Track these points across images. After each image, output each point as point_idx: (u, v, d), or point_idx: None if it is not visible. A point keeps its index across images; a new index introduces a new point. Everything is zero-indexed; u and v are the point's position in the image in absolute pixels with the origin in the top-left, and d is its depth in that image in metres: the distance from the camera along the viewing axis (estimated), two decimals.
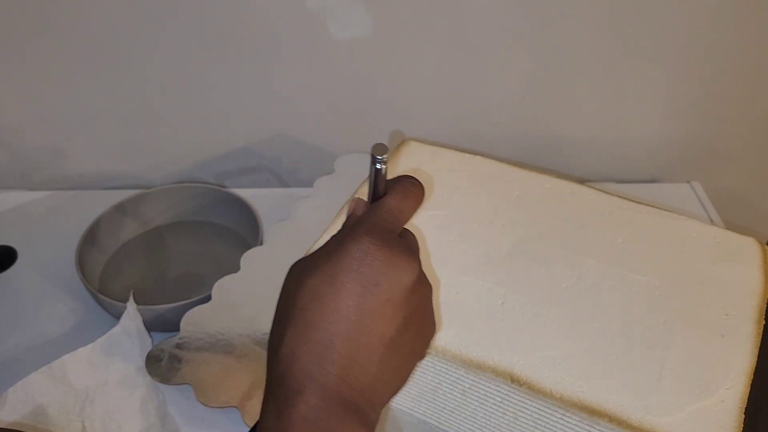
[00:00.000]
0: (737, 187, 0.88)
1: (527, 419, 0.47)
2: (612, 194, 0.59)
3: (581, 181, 0.62)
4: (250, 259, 0.64)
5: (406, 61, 0.75)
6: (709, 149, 0.85)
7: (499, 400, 0.47)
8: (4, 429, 0.51)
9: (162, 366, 0.56)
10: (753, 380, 0.45)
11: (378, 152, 0.36)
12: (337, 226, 0.54)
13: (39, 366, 0.55)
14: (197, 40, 0.71)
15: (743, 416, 0.43)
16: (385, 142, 0.37)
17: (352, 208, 0.38)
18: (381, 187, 0.37)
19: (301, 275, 0.33)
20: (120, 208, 0.71)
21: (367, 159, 0.76)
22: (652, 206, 0.58)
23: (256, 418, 0.51)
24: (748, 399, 0.44)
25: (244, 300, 0.60)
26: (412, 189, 0.37)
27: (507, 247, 0.54)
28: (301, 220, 0.68)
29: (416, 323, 0.34)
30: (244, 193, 0.73)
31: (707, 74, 0.77)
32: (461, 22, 0.71)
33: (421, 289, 0.35)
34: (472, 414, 0.49)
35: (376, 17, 0.71)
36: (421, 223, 0.55)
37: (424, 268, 0.36)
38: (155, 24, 0.69)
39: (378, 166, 0.36)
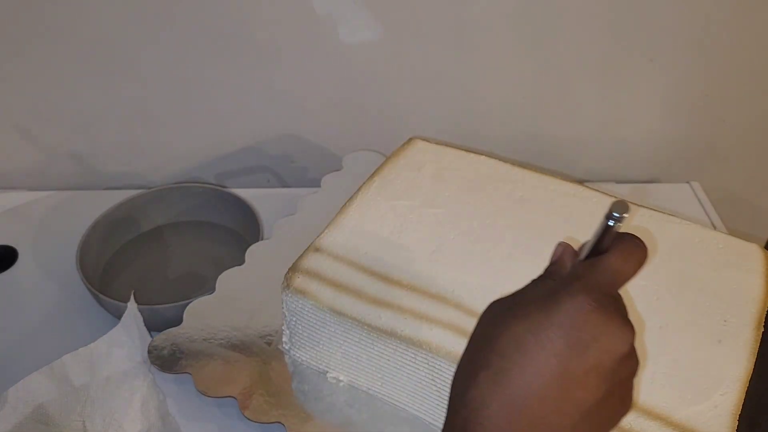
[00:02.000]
0: (736, 187, 0.88)
1: None
2: (616, 197, 0.59)
3: (581, 181, 0.62)
4: (255, 252, 0.64)
5: (410, 61, 0.75)
6: (708, 149, 0.85)
7: None
8: None
9: (164, 355, 0.56)
10: (754, 386, 0.45)
11: (619, 210, 0.33)
12: (341, 219, 0.55)
13: (39, 366, 0.55)
14: (200, 40, 0.71)
15: (737, 423, 0.43)
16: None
17: (559, 254, 0.35)
18: (607, 244, 0.34)
19: (505, 318, 0.31)
20: (120, 208, 0.71)
21: (374, 157, 0.76)
22: (656, 210, 0.58)
23: (256, 413, 0.52)
24: (749, 403, 0.44)
25: (247, 293, 0.61)
26: (636, 251, 0.33)
27: (506, 248, 0.54)
28: (308, 216, 0.68)
29: (616, 398, 0.32)
30: (244, 193, 0.73)
31: (706, 74, 0.78)
32: (463, 24, 0.72)
33: (631, 362, 0.32)
34: None
35: (383, 21, 0.71)
36: (423, 221, 0.56)
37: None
38: (157, 23, 0.70)
39: (611, 222, 0.33)
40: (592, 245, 0.34)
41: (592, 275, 0.32)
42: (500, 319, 0.32)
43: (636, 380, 0.33)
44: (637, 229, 0.57)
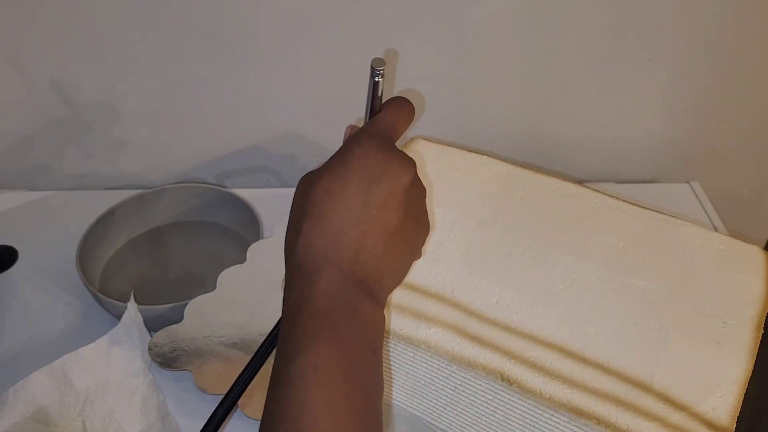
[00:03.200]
0: (736, 187, 0.88)
1: (516, 418, 0.47)
2: (617, 198, 0.59)
3: (581, 181, 0.62)
4: (256, 250, 0.64)
5: (410, 61, 0.75)
6: (708, 149, 0.85)
7: (490, 398, 0.47)
8: None
9: (164, 352, 0.56)
10: (753, 388, 0.45)
11: (377, 65, 0.39)
12: None
13: (39, 366, 0.55)
14: (200, 39, 0.71)
15: (735, 425, 0.43)
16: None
17: (348, 134, 0.42)
18: (378, 103, 0.41)
19: (313, 179, 0.37)
20: (120, 208, 0.71)
21: None
22: (657, 211, 0.58)
23: (255, 410, 0.52)
24: (748, 405, 0.44)
25: (248, 291, 0.61)
26: (404, 105, 0.42)
27: (506, 248, 0.54)
28: None
29: (414, 217, 0.39)
30: (244, 193, 0.73)
31: (707, 74, 0.77)
32: (464, 23, 0.71)
33: (418, 188, 0.40)
34: (463, 411, 0.49)
35: (383, 21, 0.71)
36: None
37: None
38: (157, 22, 0.70)
39: (376, 79, 0.39)
40: (368, 107, 0.41)
41: (372, 126, 0.39)
42: (309, 181, 0.38)
43: (427, 204, 0.41)
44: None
